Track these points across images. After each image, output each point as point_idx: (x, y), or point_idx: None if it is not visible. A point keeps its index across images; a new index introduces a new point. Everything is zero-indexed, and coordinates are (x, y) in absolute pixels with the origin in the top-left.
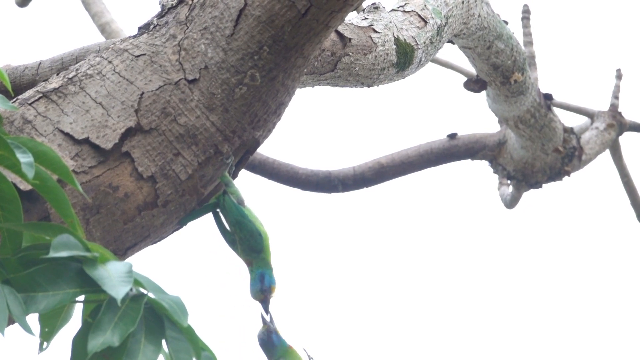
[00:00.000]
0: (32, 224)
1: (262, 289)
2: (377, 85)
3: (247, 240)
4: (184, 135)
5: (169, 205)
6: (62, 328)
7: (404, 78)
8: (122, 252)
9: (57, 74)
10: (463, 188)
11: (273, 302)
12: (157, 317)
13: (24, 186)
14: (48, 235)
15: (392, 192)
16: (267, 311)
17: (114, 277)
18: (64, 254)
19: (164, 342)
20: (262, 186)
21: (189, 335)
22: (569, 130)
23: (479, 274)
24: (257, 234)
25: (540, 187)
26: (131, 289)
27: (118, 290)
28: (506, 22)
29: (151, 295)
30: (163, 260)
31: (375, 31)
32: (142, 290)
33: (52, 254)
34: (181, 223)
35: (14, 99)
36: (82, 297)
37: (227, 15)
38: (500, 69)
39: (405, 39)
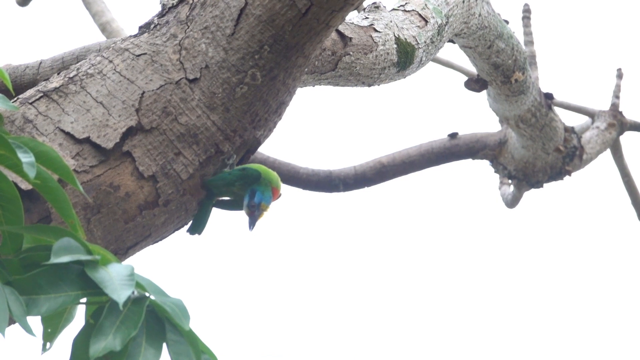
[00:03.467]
0: (33, 226)
1: (250, 204)
2: (378, 85)
3: (247, 178)
4: (185, 135)
5: (170, 204)
6: (65, 328)
7: (404, 77)
8: (123, 252)
9: (58, 73)
10: (464, 187)
11: (262, 220)
12: (158, 320)
13: (25, 186)
14: (49, 238)
15: (393, 192)
16: (250, 227)
17: (115, 280)
18: (65, 259)
19: (164, 345)
20: None
21: (190, 338)
22: (569, 130)
23: (480, 273)
24: (248, 169)
25: (541, 186)
26: (133, 292)
27: (120, 293)
28: (507, 22)
29: (153, 297)
30: (164, 260)
31: (376, 30)
32: (143, 293)
33: (53, 259)
34: (198, 232)
35: (15, 99)
36: (84, 299)
37: (227, 14)
38: (501, 69)
39: (406, 38)
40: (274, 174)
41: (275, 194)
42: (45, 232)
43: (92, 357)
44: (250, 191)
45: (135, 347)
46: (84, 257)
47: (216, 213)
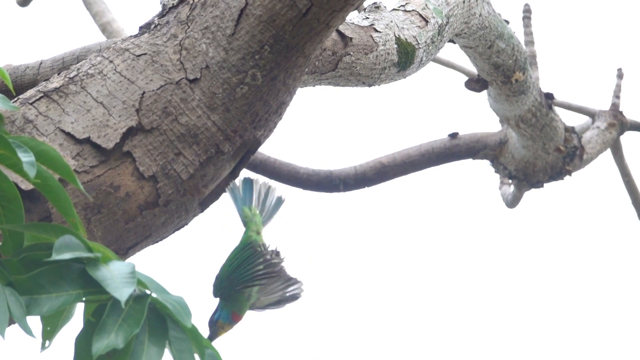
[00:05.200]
0: (34, 224)
1: (209, 320)
2: (378, 85)
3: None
4: (185, 135)
5: (170, 204)
6: (64, 326)
7: (405, 77)
8: (123, 252)
9: (58, 74)
10: (464, 187)
11: (223, 337)
12: (160, 317)
13: (25, 185)
14: (50, 236)
15: (394, 192)
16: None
17: (117, 278)
18: (66, 256)
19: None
20: None
21: (192, 335)
22: (570, 130)
23: (480, 274)
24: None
25: (542, 186)
26: (134, 290)
27: (122, 291)
28: (507, 22)
29: (154, 295)
30: (164, 259)
31: (376, 30)
32: (145, 290)
33: (55, 256)
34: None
35: (15, 99)
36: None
37: (228, 14)
38: (501, 69)
39: (406, 39)
40: (244, 303)
41: (235, 318)
42: (45, 230)
43: (94, 355)
44: (215, 308)
45: (138, 345)
46: (85, 254)
47: (216, 212)
